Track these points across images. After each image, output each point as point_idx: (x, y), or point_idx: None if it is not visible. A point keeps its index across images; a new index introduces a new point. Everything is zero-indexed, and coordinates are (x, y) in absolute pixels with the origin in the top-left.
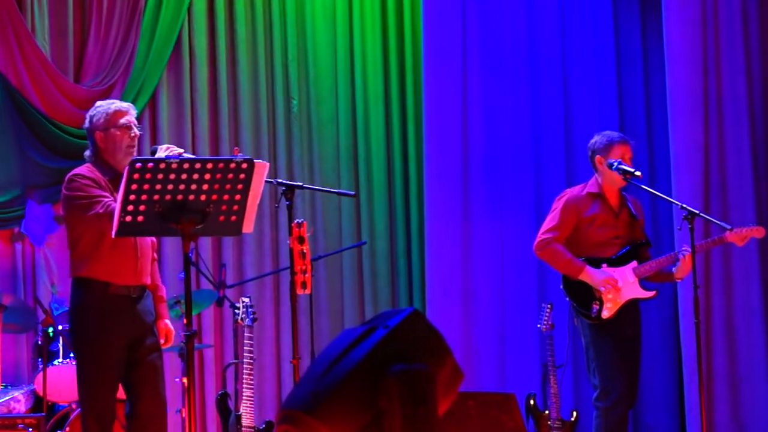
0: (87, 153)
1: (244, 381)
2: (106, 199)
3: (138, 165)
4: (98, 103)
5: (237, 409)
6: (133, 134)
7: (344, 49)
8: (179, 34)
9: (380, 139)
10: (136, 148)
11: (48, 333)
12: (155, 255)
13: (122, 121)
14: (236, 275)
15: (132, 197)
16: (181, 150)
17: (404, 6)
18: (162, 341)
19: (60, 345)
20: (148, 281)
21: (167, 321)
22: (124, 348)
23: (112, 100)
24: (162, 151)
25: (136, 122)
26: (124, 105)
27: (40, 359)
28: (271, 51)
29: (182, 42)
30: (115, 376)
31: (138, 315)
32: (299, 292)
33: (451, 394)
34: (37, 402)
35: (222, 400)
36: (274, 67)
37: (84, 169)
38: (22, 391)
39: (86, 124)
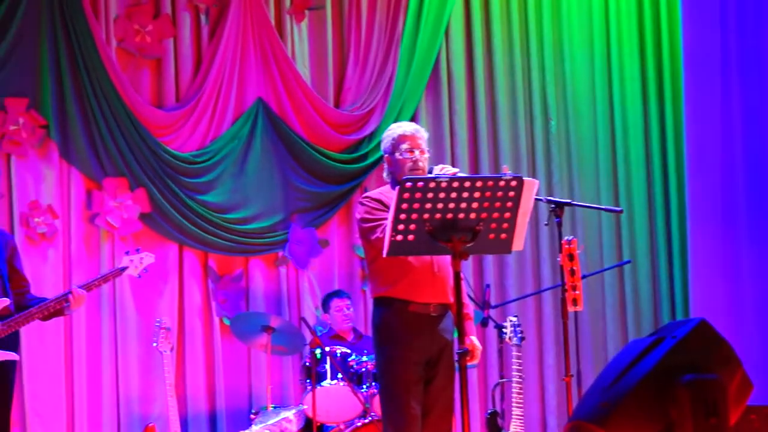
0: (384, 174)
1: (514, 400)
2: (385, 222)
3: (408, 184)
4: (391, 125)
5: (506, 427)
6: (414, 158)
7: (601, 69)
8: (437, 57)
9: (639, 156)
10: (421, 170)
11: (315, 354)
12: (462, 273)
13: (404, 146)
14: (498, 295)
15: (402, 216)
16: (456, 170)
17: (661, 23)
18: (468, 358)
19: (327, 366)
20: (450, 299)
21: (473, 338)
22: (423, 365)
23: (400, 123)
24: (438, 171)
25: (420, 144)
26: (409, 129)
27: (308, 380)
28: (529, 72)
29: (440, 65)
30: (415, 392)
31: (437, 333)
32: (570, 309)
33: (741, 405)
34: (307, 423)
35: (492, 419)
36: (531, 87)
37: (376, 191)
38: (293, 411)
39: (381, 146)
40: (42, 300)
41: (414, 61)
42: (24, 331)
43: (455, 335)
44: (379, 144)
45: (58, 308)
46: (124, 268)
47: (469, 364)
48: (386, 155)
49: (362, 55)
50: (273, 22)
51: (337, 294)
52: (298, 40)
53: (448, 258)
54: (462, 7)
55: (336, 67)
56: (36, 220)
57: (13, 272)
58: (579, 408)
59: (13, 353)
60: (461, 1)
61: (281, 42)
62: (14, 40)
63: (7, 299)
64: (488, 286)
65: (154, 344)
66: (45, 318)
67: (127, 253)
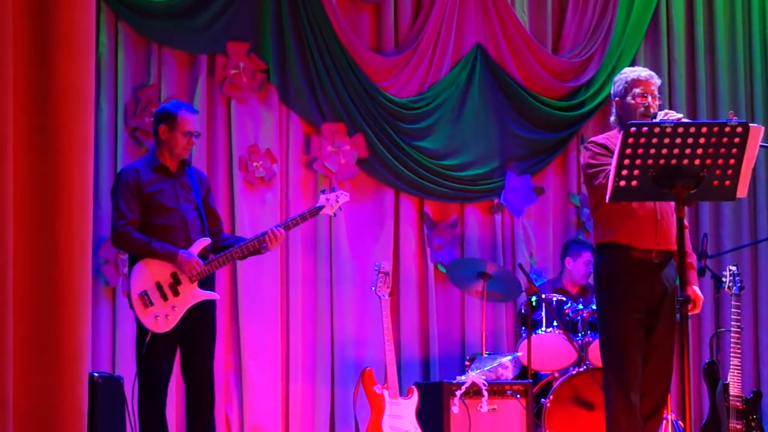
0: (612, 119)
1: (732, 350)
2: (609, 167)
3: (633, 129)
4: (624, 69)
5: (723, 377)
6: (646, 104)
7: None
8: (657, 4)
9: None
10: (651, 117)
11: (531, 302)
12: (686, 223)
13: (637, 90)
14: (713, 245)
15: (626, 161)
16: (680, 115)
17: None
18: (690, 307)
19: (543, 314)
20: (673, 247)
21: (695, 287)
22: (644, 312)
23: (634, 68)
24: (662, 116)
25: (654, 91)
26: (643, 74)
27: (523, 327)
28: (749, 19)
29: (660, 13)
30: (636, 339)
31: (659, 280)
32: None
33: None
34: (522, 370)
35: (710, 368)
36: (752, 35)
37: (601, 135)
38: (509, 358)
39: (612, 90)
40: (240, 240)
41: (633, 8)
42: (241, 274)
43: (677, 283)
44: (596, 92)
45: (256, 247)
46: (320, 207)
47: (690, 313)
48: (616, 99)
49: (581, 1)
50: None
51: (587, 246)
52: None
53: (671, 205)
54: None
55: (555, 13)
56: (255, 164)
57: (209, 212)
58: None
59: (214, 293)
60: None
61: None
62: None
63: (208, 239)
64: (705, 235)
65: (373, 288)
66: (242, 257)
67: (323, 192)
